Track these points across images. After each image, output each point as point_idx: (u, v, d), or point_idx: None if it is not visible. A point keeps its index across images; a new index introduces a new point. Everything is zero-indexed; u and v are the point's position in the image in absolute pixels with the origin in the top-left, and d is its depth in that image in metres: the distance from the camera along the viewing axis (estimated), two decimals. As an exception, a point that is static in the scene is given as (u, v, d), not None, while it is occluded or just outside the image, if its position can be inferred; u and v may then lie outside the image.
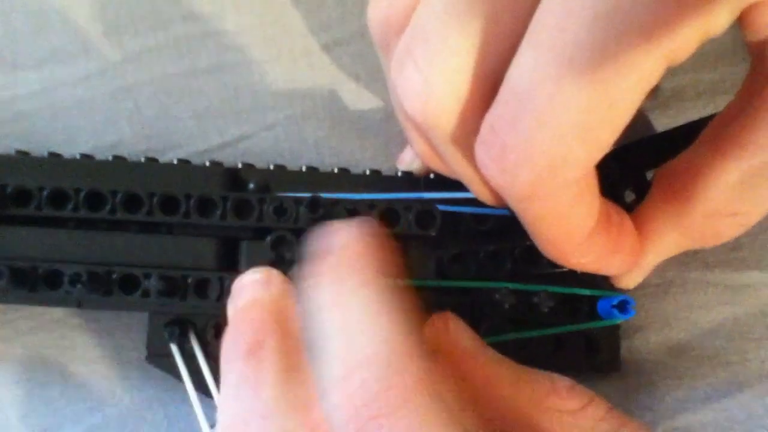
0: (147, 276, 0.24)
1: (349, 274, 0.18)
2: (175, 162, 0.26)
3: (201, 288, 0.24)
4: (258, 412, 0.20)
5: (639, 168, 0.26)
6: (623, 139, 0.19)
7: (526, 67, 0.17)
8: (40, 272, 0.24)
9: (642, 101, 0.17)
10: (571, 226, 0.20)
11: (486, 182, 0.20)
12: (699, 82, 0.29)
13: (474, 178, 0.21)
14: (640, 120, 0.28)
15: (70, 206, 0.24)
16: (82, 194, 0.24)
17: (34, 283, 0.24)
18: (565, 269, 0.23)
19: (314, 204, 0.24)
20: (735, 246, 0.28)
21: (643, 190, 0.24)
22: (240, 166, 0.26)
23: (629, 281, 0.24)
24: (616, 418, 0.21)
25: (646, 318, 0.28)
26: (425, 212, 0.25)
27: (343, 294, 0.18)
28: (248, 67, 0.28)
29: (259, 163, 0.26)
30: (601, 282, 0.25)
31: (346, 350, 0.17)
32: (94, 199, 0.24)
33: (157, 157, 0.26)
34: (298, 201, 0.24)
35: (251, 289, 0.23)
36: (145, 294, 0.24)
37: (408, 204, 0.25)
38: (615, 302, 0.25)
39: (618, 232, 0.22)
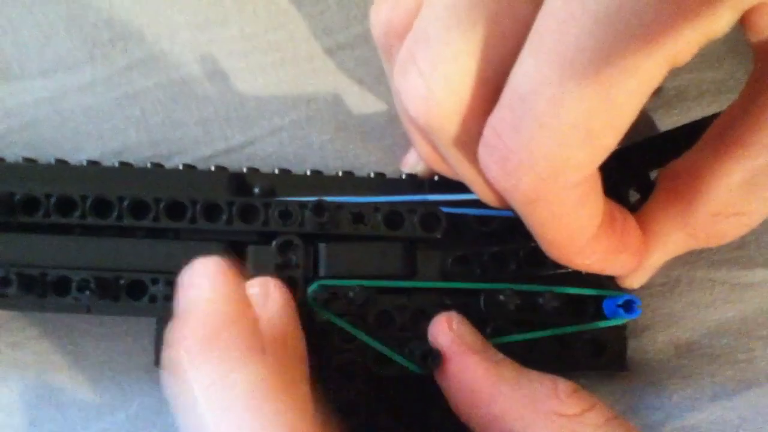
0: (154, 281, 0.24)
1: (219, 358, 0.20)
2: (181, 167, 0.26)
3: None
4: None
5: (643, 168, 0.25)
6: (627, 140, 0.19)
7: (528, 70, 0.17)
8: (49, 279, 0.24)
9: (645, 103, 0.17)
10: (574, 227, 0.20)
11: (489, 184, 0.20)
12: (702, 81, 0.29)
13: (477, 180, 0.21)
14: (643, 120, 0.28)
15: (77, 213, 0.24)
16: (89, 201, 0.24)
17: (43, 290, 0.24)
18: (569, 270, 0.23)
19: (319, 208, 0.24)
20: (741, 244, 0.28)
21: (647, 190, 0.24)
22: (245, 170, 0.26)
23: (634, 281, 0.24)
24: (617, 426, 0.21)
25: (652, 317, 0.28)
26: (430, 215, 0.25)
27: (216, 382, 0.19)
28: (253, 73, 0.28)
29: (264, 168, 0.26)
30: (606, 282, 0.25)
31: None
32: (102, 206, 0.24)
33: (163, 162, 0.26)
34: (303, 205, 0.24)
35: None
36: (153, 299, 0.24)
37: (412, 207, 0.25)
38: (621, 302, 0.25)
39: (622, 232, 0.22)
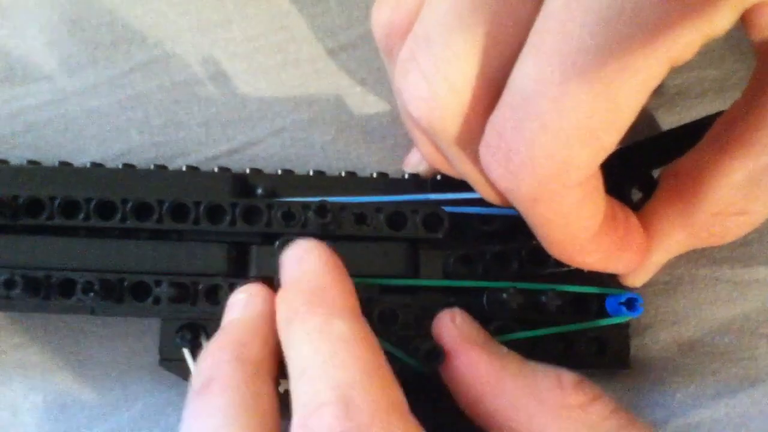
0: (158, 283, 0.24)
1: (316, 312, 0.20)
2: (184, 169, 0.26)
3: (211, 294, 0.24)
4: None
5: (645, 167, 0.25)
6: (629, 138, 0.19)
7: (530, 70, 0.17)
8: (53, 281, 0.24)
9: (646, 102, 0.17)
10: (577, 226, 0.20)
11: (491, 183, 0.20)
12: (704, 79, 0.29)
13: (479, 179, 0.21)
14: (645, 118, 0.28)
15: (81, 215, 0.24)
16: (93, 203, 0.24)
17: (48, 292, 0.24)
18: (572, 268, 0.23)
19: (322, 208, 0.24)
20: (743, 242, 0.28)
21: (649, 188, 0.24)
22: (248, 171, 0.26)
23: (637, 279, 0.24)
24: (622, 418, 0.21)
25: (655, 315, 0.28)
26: (432, 215, 0.25)
27: (312, 332, 0.20)
28: (255, 74, 0.28)
29: (267, 169, 0.26)
30: (608, 280, 0.25)
31: (312, 389, 0.18)
32: (105, 208, 0.24)
33: (166, 164, 0.26)
34: (306, 206, 0.24)
35: (230, 310, 0.23)
36: (157, 301, 0.24)
37: (415, 207, 0.25)
38: (623, 300, 0.25)
39: (624, 230, 0.22)
